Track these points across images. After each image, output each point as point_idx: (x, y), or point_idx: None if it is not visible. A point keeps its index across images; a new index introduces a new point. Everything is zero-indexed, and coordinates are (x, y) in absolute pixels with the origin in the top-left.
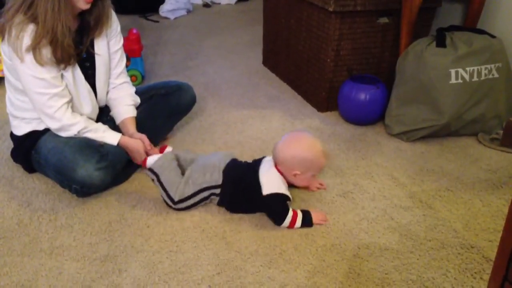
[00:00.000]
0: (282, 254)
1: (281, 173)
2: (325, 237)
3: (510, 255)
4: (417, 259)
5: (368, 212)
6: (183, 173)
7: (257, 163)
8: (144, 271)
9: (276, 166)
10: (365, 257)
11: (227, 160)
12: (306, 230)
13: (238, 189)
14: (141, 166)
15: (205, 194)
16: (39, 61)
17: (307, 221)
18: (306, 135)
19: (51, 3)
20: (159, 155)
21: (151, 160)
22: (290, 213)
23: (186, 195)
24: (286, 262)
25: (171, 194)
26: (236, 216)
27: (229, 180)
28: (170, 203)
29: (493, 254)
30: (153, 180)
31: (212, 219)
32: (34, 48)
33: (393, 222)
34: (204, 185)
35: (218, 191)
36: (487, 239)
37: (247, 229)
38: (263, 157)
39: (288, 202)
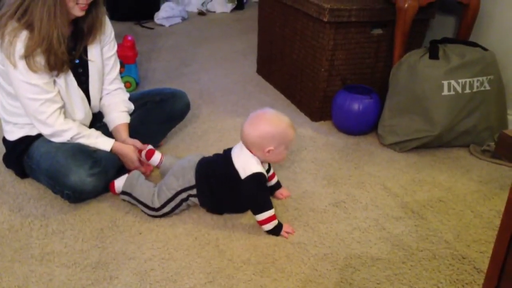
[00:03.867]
0: (274, 263)
1: (254, 154)
2: (318, 247)
3: (502, 266)
4: (409, 269)
5: (360, 222)
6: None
7: (227, 152)
8: (136, 278)
9: (247, 148)
10: (357, 266)
11: (197, 160)
12: (298, 239)
13: (216, 184)
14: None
15: (183, 196)
16: (32, 68)
17: (277, 230)
18: (269, 111)
19: (47, 10)
20: (125, 177)
21: (119, 183)
22: (272, 212)
23: (164, 200)
24: (278, 271)
25: (150, 204)
26: (229, 223)
27: (202, 177)
28: (153, 212)
29: (484, 265)
30: (129, 201)
31: (204, 227)
32: (28, 56)
33: (385, 232)
34: (179, 189)
35: (194, 191)
36: (478, 250)
37: (240, 237)
38: (232, 147)
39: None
